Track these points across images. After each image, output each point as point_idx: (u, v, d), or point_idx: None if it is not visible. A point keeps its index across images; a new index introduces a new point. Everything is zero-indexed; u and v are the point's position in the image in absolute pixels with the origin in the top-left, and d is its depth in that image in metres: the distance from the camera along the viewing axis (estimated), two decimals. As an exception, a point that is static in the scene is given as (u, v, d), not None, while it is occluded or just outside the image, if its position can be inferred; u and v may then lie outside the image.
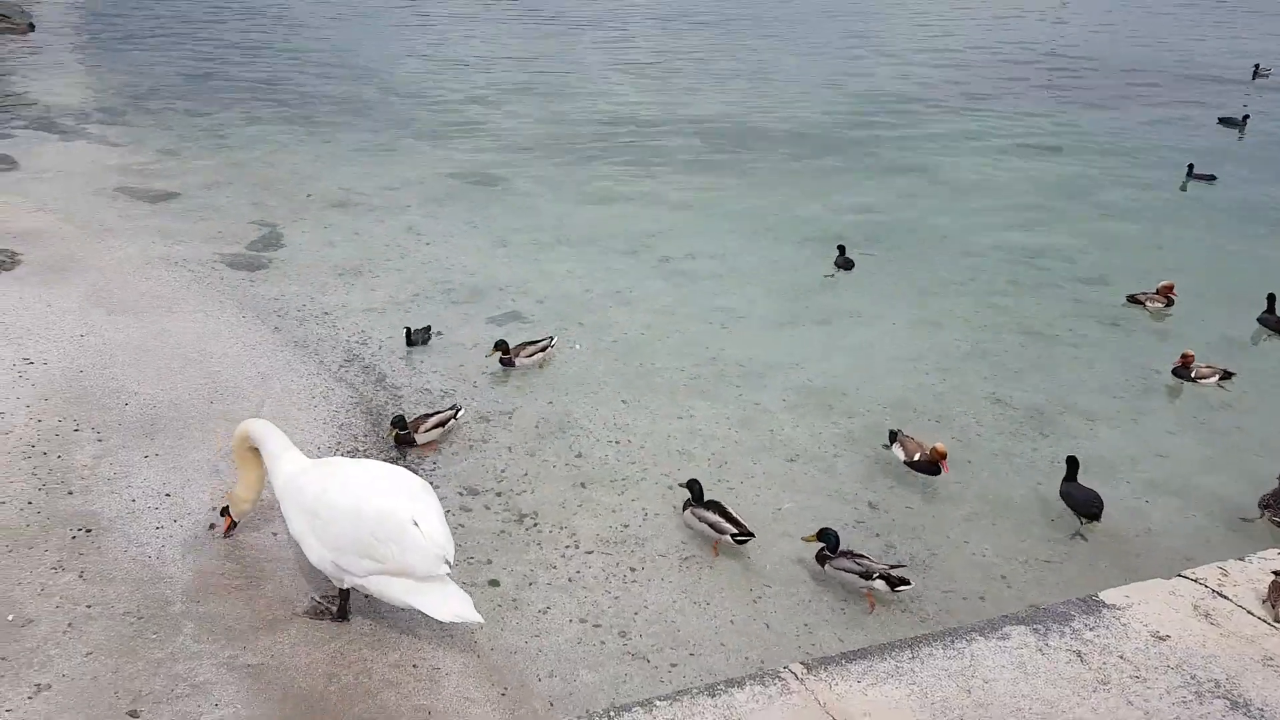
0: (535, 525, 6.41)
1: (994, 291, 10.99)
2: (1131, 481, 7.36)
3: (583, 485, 6.92)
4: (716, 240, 12.13)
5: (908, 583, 5.80)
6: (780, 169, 15.53)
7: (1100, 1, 40.80)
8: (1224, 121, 19.19)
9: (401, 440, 7.04)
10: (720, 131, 17.64)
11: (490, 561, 5.99)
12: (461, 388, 8.16)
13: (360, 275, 10.29)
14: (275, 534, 5.97)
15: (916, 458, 7.13)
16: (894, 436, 7.43)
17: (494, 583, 5.79)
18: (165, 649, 4.94)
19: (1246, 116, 19.12)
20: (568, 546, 6.22)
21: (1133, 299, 10.61)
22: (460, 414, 7.45)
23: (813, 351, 9.24)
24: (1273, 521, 6.70)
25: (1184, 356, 8.90)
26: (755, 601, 5.86)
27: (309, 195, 12.56)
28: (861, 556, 5.92)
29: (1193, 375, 8.80)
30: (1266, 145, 18.13)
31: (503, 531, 6.31)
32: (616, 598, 5.77)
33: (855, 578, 5.81)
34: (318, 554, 4.97)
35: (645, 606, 5.71)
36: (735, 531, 6.19)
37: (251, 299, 9.44)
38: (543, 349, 8.59)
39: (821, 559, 6.01)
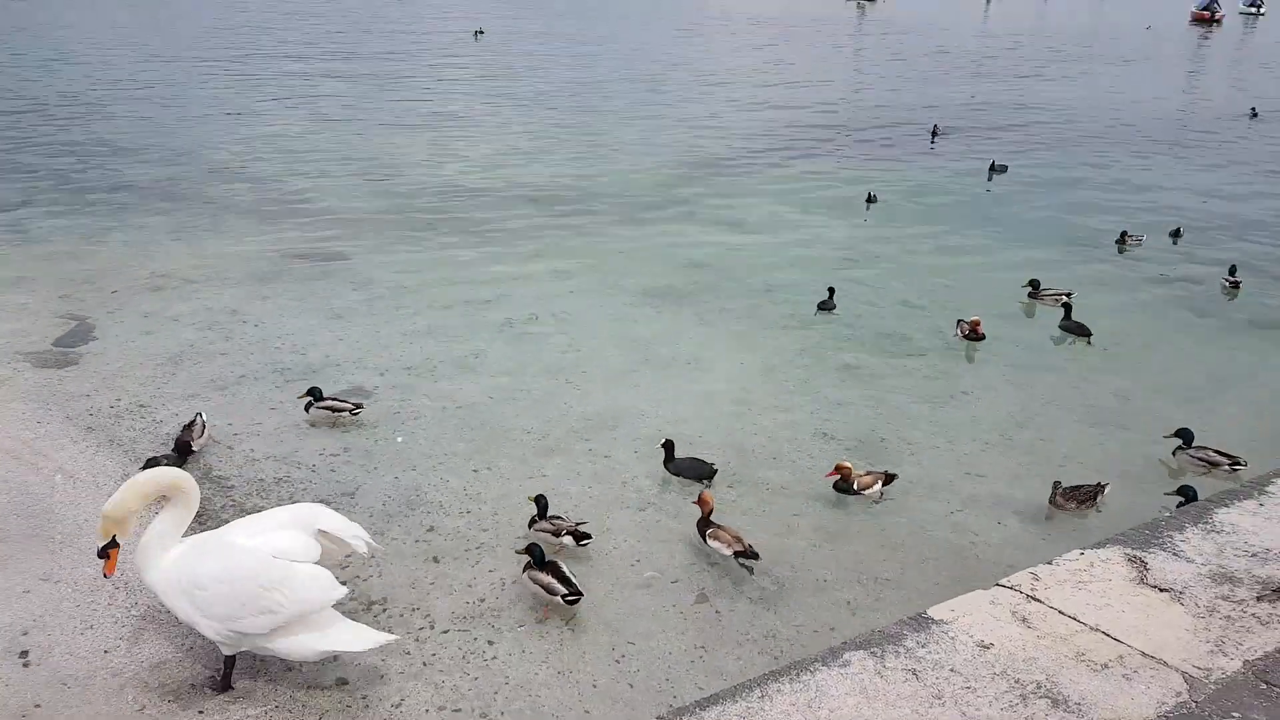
0: (385, 611, 6.20)
1: (813, 332, 11.58)
2: (951, 500, 7.88)
3: (435, 560, 6.78)
4: (556, 301, 12.26)
5: (589, 536, 6.87)
6: (613, 229, 15.92)
7: (888, 66, 44.27)
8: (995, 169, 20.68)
9: (308, 406, 8.56)
10: (550, 197, 17.90)
11: (336, 658, 5.72)
12: (297, 473, 7.85)
13: (180, 363, 9.78)
14: (106, 651, 5.55)
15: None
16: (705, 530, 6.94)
17: (342, 681, 5.53)
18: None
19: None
20: (421, 629, 6.05)
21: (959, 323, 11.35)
22: (359, 413, 8.61)
23: (655, 400, 9.46)
24: (1059, 507, 7.70)
25: (839, 468, 7.77)
26: (618, 661, 5.87)
27: (113, 292, 11.81)
28: (559, 518, 6.99)
29: (855, 487, 7.69)
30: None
31: (351, 621, 6.07)
32: (475, 678, 5.64)
33: (550, 536, 6.81)
34: (213, 630, 5.00)
35: (506, 682, 5.62)
36: (565, 592, 6.18)
37: (59, 397, 8.80)
38: (336, 409, 8.58)
39: (531, 521, 7.00)
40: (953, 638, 4.61)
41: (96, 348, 10.09)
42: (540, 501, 7.05)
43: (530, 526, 6.98)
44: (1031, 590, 5.01)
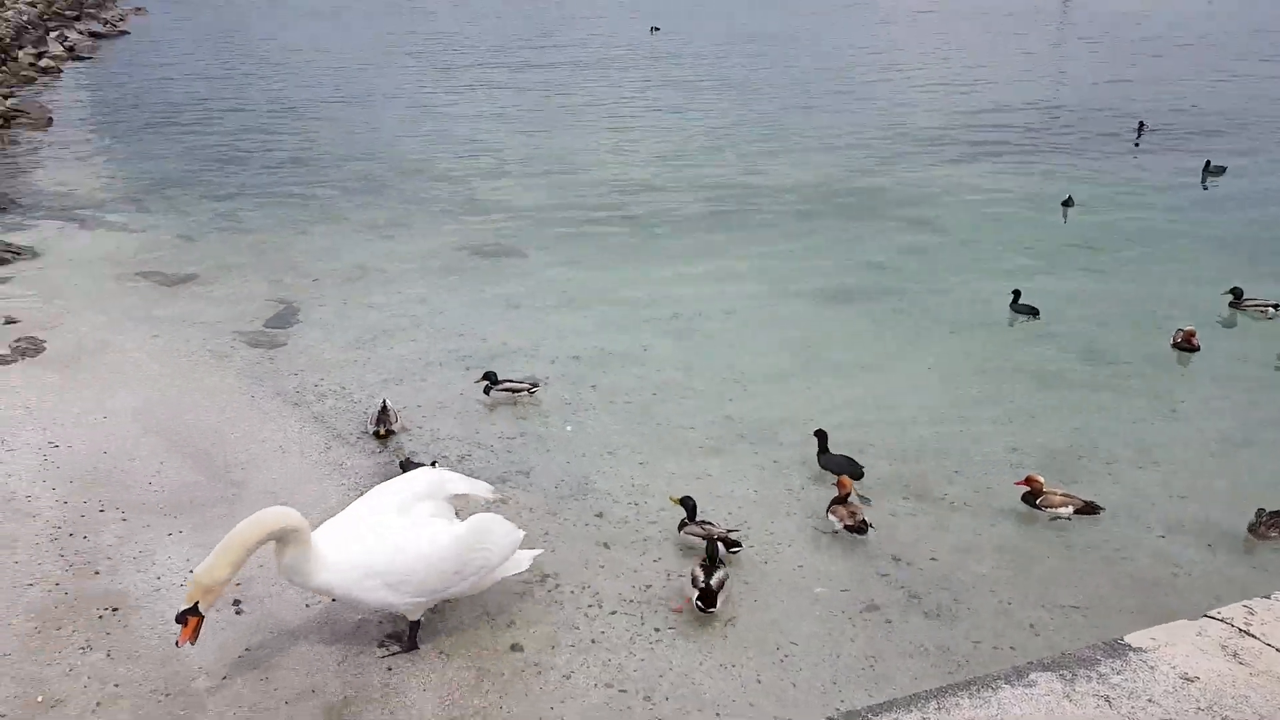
0: (557, 586, 6.41)
1: (1003, 339, 11.05)
2: (1154, 525, 7.31)
3: (605, 545, 6.93)
4: (727, 299, 12.27)
5: (739, 545, 6.73)
6: (788, 227, 15.78)
7: (1115, 56, 41.69)
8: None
9: (487, 389, 9.04)
10: (728, 192, 17.97)
11: (512, 624, 5.97)
12: (478, 453, 8.23)
13: (375, 348, 10.46)
14: (308, 605, 6.01)
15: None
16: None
17: (516, 647, 5.77)
18: (192, 727, 4.96)
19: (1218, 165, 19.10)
20: (590, 606, 6.21)
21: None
22: (535, 392, 9.05)
23: (827, 406, 9.27)
24: (1261, 536, 7.00)
25: (1029, 480, 7.47)
26: (782, 661, 5.82)
27: (314, 280, 12.72)
28: (709, 524, 6.87)
29: (1039, 503, 7.34)
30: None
31: (524, 593, 6.30)
32: (641, 660, 5.73)
33: (700, 539, 6.68)
34: (414, 604, 5.37)
35: (670, 668, 5.68)
36: (700, 593, 6.03)
37: (269, 376, 9.59)
38: (515, 390, 9.07)
39: (681, 525, 6.91)
40: (1152, 667, 4.29)
41: (301, 331, 10.93)
42: (688, 503, 6.96)
43: (680, 530, 6.93)
44: (1245, 624, 4.59)
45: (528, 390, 9.06)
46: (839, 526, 7.01)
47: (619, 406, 9.21)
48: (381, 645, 5.65)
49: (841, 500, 7.13)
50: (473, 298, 12.21)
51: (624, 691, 5.46)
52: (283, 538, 4.97)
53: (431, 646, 5.71)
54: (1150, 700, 4.10)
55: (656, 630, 6.01)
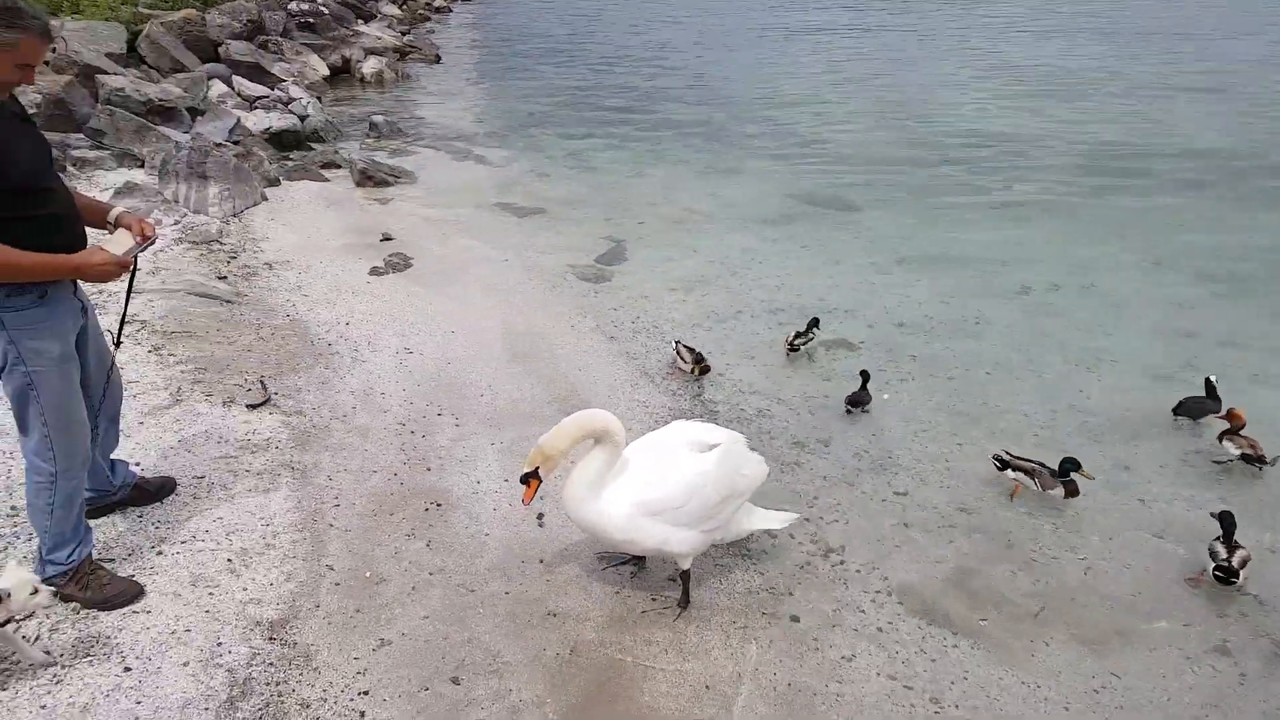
0: (842, 562, 6.05)
1: None
2: None
3: (905, 525, 6.44)
4: (1090, 272, 10.90)
5: (1005, 465, 6.75)
6: (1177, 195, 13.73)
7: None
8: None
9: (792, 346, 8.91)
10: (1104, 150, 16.00)
11: (791, 593, 5.72)
12: (777, 409, 8.01)
13: (692, 291, 10.53)
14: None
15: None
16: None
17: (794, 618, 5.51)
18: (487, 624, 5.29)
19: None
20: (879, 592, 5.79)
21: None
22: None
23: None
24: None
25: None
26: (1098, 691, 5.06)
27: (641, 222, 12.98)
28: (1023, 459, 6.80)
29: None
30: None
31: (807, 564, 6.02)
32: (932, 660, 5.25)
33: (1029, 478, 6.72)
34: (687, 543, 5.25)
35: (964, 676, 5.14)
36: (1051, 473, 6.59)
37: (594, 308, 10.00)
38: (794, 341, 8.88)
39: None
40: None
41: (626, 268, 11.29)
42: (1226, 519, 5.95)
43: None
44: None
45: (789, 347, 8.88)
46: (1235, 453, 6.90)
47: (941, 381, 8.52)
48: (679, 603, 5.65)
49: (1235, 431, 6.99)
50: (796, 249, 11.90)
51: (909, 688, 5.04)
52: (605, 439, 5.13)
53: (708, 601, 5.61)
54: None
55: (954, 632, 5.47)
